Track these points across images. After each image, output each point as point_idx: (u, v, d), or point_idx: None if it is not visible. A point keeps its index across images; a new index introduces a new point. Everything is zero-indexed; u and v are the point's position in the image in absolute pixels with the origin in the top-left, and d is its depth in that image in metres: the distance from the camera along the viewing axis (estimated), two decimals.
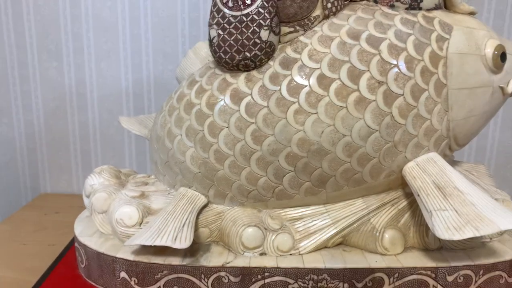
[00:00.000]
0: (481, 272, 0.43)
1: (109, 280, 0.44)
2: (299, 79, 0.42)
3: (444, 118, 0.43)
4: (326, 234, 0.44)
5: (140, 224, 0.45)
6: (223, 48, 0.42)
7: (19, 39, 0.76)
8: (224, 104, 0.43)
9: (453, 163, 0.50)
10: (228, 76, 0.44)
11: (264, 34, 0.41)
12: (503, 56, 0.45)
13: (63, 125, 0.79)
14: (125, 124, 0.59)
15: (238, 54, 0.42)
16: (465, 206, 0.39)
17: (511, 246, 0.46)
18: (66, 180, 0.82)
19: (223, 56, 0.42)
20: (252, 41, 0.41)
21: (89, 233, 0.47)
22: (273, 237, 0.44)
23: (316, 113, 0.41)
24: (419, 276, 0.42)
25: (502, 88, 0.46)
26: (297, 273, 0.42)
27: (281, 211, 0.46)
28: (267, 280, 0.42)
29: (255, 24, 0.41)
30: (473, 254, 0.44)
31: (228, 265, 0.42)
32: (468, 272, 0.43)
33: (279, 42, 0.43)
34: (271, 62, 0.43)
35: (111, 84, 0.77)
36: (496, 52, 0.44)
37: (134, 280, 0.43)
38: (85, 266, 0.46)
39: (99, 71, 0.77)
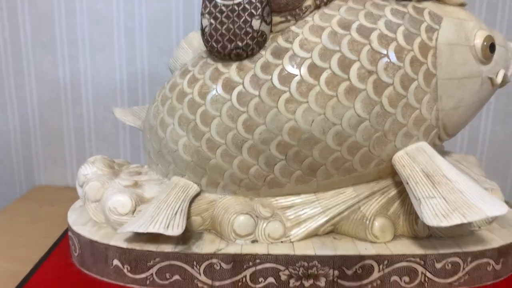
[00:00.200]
0: (469, 260, 0.44)
1: (102, 268, 0.45)
2: (290, 69, 0.42)
3: (433, 108, 0.44)
4: (316, 222, 0.45)
5: (133, 212, 0.45)
6: (215, 38, 0.42)
7: (13, 32, 0.76)
8: (216, 93, 0.43)
9: (443, 153, 0.51)
10: (220, 66, 0.44)
11: (256, 23, 0.42)
12: (492, 47, 0.45)
13: (57, 118, 0.80)
14: (119, 115, 0.59)
15: (229, 43, 0.42)
16: (453, 194, 0.40)
17: (499, 234, 0.46)
18: (61, 173, 0.83)
19: (215, 46, 0.43)
20: (244, 30, 0.42)
21: (82, 222, 0.48)
22: (265, 224, 0.44)
23: (307, 102, 0.42)
24: (408, 263, 0.43)
25: (491, 79, 0.46)
26: (288, 260, 0.42)
27: (273, 200, 0.46)
28: (258, 267, 0.43)
29: (246, 14, 0.42)
30: (462, 242, 0.45)
31: (220, 252, 0.43)
32: (456, 259, 0.43)
33: (271, 31, 0.44)
34: (262, 52, 0.43)
35: (106, 77, 0.77)
36: (485, 43, 0.45)
37: (127, 268, 0.44)
38: (79, 255, 0.47)
39: (93, 64, 0.77)
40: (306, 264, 0.42)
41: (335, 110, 0.42)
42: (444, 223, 0.38)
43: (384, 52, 0.42)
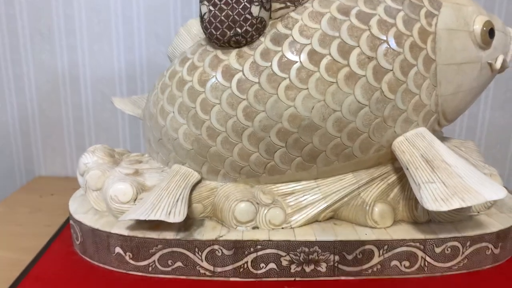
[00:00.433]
0: (468, 244, 0.44)
1: (104, 255, 0.45)
2: (290, 55, 0.42)
3: (433, 93, 0.44)
4: (317, 208, 0.45)
5: (135, 200, 0.46)
6: (214, 24, 0.42)
7: (11, 22, 0.76)
8: (216, 81, 0.43)
9: (442, 139, 0.51)
10: (219, 53, 0.44)
11: (255, 9, 0.42)
12: (491, 33, 0.45)
13: (56, 108, 0.80)
14: (118, 104, 0.59)
15: (229, 30, 0.42)
16: (452, 178, 0.40)
17: (498, 219, 0.47)
18: (61, 163, 0.83)
19: (214, 32, 0.43)
20: (243, 16, 0.42)
21: (83, 211, 0.48)
22: (265, 211, 0.44)
23: (307, 88, 0.42)
24: (408, 248, 0.43)
25: (490, 64, 0.46)
26: (289, 246, 0.43)
27: (273, 187, 0.47)
28: (259, 253, 0.43)
29: (246, 0, 0.41)
30: (461, 227, 0.45)
31: (221, 238, 0.43)
32: (456, 243, 0.44)
33: (270, 18, 0.43)
34: (262, 38, 0.43)
35: (104, 66, 0.77)
36: (484, 28, 0.45)
37: (129, 255, 0.44)
38: (80, 243, 0.47)
39: (91, 53, 0.76)
40: (307, 249, 0.43)
41: (335, 97, 0.42)
42: (444, 207, 0.38)
43: (384, 37, 0.42)
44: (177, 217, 0.41)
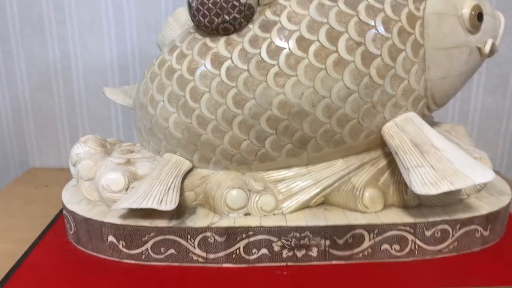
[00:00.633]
0: (457, 227, 0.45)
1: (97, 244, 0.45)
2: (278, 42, 0.42)
3: (422, 78, 0.44)
4: (308, 194, 0.46)
5: (127, 189, 0.46)
6: (202, 12, 0.42)
7: (0, 13, 0.75)
8: (205, 69, 0.43)
9: (432, 124, 0.51)
10: (208, 41, 0.44)
11: None
12: (480, 17, 0.45)
13: (49, 99, 0.79)
14: (110, 94, 0.59)
15: (217, 17, 0.42)
16: (441, 162, 0.41)
17: (487, 202, 0.47)
18: (55, 155, 0.83)
19: (202, 20, 0.42)
20: (231, 4, 0.42)
21: (76, 201, 0.48)
22: (257, 198, 0.45)
23: (296, 75, 0.42)
24: (398, 232, 0.44)
25: (479, 49, 0.47)
26: (280, 231, 0.43)
27: (264, 174, 0.47)
28: (251, 239, 0.43)
29: None
30: (450, 210, 0.45)
31: (213, 225, 0.43)
32: (446, 226, 0.44)
33: (258, 4, 0.43)
34: (250, 25, 0.43)
35: (96, 56, 0.77)
36: (473, 13, 0.45)
37: (122, 243, 0.44)
38: (74, 232, 0.47)
39: (83, 44, 0.76)
40: (298, 235, 0.43)
41: (324, 83, 0.42)
42: (433, 191, 0.39)
43: (372, 23, 0.42)
44: (169, 205, 0.42)
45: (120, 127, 0.81)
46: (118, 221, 0.44)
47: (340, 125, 0.44)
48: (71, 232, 0.48)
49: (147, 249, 0.44)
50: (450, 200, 0.46)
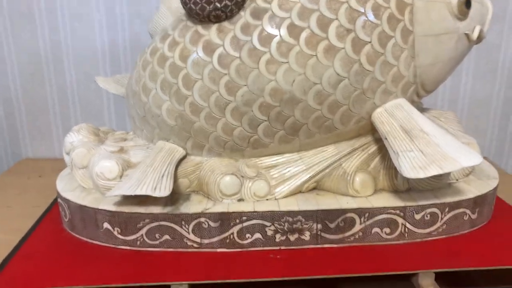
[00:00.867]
0: (446, 210, 0.46)
1: (92, 231, 0.46)
2: (270, 29, 0.42)
3: (411, 65, 0.44)
4: (300, 179, 0.46)
5: (120, 177, 0.46)
6: None
7: None
8: (197, 56, 0.44)
9: (422, 110, 0.52)
10: (200, 28, 0.44)
11: None
12: (468, 3, 0.46)
13: (40, 89, 0.79)
14: (102, 84, 0.59)
15: (208, 4, 0.42)
16: (430, 147, 0.41)
17: (475, 185, 0.48)
18: (47, 145, 0.83)
19: (193, 7, 0.43)
20: None
21: (71, 188, 0.49)
22: (250, 184, 0.45)
23: (287, 62, 0.42)
24: (389, 215, 0.45)
25: (467, 35, 0.47)
26: (273, 216, 0.44)
27: (257, 160, 0.47)
28: (245, 224, 0.44)
29: None
30: (439, 194, 0.46)
31: (207, 211, 0.44)
32: (435, 210, 0.45)
33: None
34: (242, 13, 0.43)
35: (87, 45, 0.76)
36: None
37: (117, 230, 0.45)
38: (69, 220, 0.48)
39: (73, 33, 0.76)
40: (290, 219, 0.44)
41: (315, 70, 0.42)
42: (421, 174, 0.40)
43: (362, 10, 0.42)
44: (163, 191, 0.42)
45: (113, 116, 0.81)
46: (113, 208, 0.44)
47: (331, 111, 0.44)
48: (66, 220, 0.49)
49: (142, 235, 0.45)
50: (439, 184, 0.47)
